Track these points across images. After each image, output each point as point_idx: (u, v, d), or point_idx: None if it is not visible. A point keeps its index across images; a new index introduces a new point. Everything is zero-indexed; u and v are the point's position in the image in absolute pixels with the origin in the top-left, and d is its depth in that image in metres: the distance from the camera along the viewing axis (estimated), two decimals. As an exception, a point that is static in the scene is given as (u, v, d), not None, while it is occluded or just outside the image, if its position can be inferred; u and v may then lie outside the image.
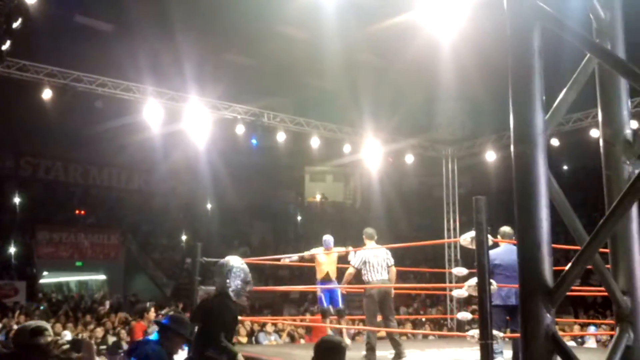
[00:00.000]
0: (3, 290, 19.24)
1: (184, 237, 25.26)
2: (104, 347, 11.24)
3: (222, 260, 5.08)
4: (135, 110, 12.50)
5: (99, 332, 11.92)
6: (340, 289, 8.64)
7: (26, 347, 3.39)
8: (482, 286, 4.77)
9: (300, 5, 13.22)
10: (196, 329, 5.09)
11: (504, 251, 6.41)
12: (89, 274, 25.50)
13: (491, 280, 4.97)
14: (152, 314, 10.95)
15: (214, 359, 4.76)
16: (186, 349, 5.64)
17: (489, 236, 5.06)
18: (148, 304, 12.92)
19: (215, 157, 21.50)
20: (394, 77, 19.37)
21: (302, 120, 14.05)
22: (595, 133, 12.30)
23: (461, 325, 10.60)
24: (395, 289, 8.27)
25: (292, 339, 12.78)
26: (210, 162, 22.14)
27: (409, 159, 15.75)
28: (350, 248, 8.97)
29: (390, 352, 7.13)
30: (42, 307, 16.68)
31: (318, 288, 8.80)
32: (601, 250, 1.84)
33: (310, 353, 3.50)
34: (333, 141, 14.91)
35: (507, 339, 6.23)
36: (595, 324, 12.44)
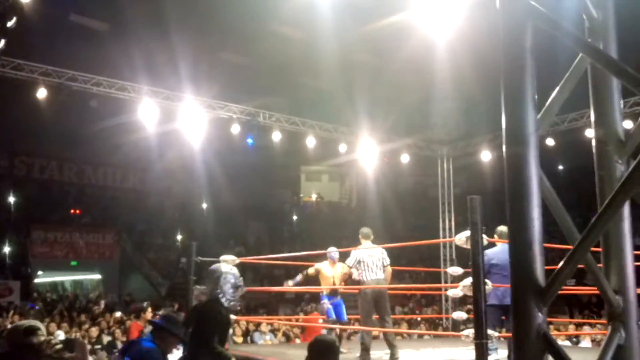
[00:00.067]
0: (-3, 290, 19.17)
1: (179, 237, 25.21)
2: (98, 346, 11.22)
3: (212, 267, 5.07)
4: (131, 109, 12.47)
5: (94, 331, 11.89)
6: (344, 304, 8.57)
7: (19, 347, 3.38)
8: (477, 286, 4.78)
9: (295, 4, 13.22)
10: (190, 330, 5.07)
11: (500, 251, 6.42)
12: (83, 273, 25.44)
13: (486, 280, 4.98)
14: (149, 314, 10.95)
15: None
16: (181, 348, 5.63)
17: (485, 236, 5.07)
18: (145, 304, 12.92)
19: (210, 157, 21.47)
20: (389, 77, 19.38)
21: (297, 120, 14.05)
22: (590, 133, 12.32)
23: (456, 325, 10.61)
24: (391, 288, 8.26)
25: (288, 338, 12.79)
26: (206, 162, 22.11)
27: (405, 158, 15.76)
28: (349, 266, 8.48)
29: (386, 352, 7.12)
30: (37, 307, 16.63)
31: (325, 301, 8.54)
32: (593, 249, 1.84)
33: (306, 353, 3.51)
34: (329, 141, 14.91)
35: (502, 339, 6.24)
36: (590, 324, 12.46)
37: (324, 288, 8.42)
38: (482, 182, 19.29)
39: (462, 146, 16.42)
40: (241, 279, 4.94)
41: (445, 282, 12.05)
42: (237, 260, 8.37)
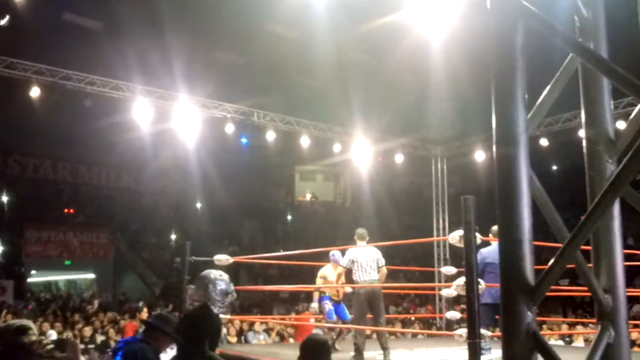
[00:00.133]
0: (-10, 290, 19.09)
1: (173, 236, 25.17)
2: (92, 346, 11.20)
3: (202, 273, 5.06)
4: (125, 108, 12.43)
5: (88, 331, 11.85)
6: (345, 304, 8.59)
7: (10, 346, 3.36)
8: (470, 285, 4.79)
9: (290, 4, 13.21)
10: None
11: (495, 250, 6.43)
12: (77, 272, 25.37)
13: (479, 280, 4.99)
14: (144, 314, 10.93)
15: None
16: (175, 347, 5.61)
17: (479, 235, 5.08)
18: (141, 304, 12.90)
19: (204, 156, 21.45)
20: (384, 77, 19.39)
21: (292, 120, 14.04)
22: (583, 133, 12.35)
23: (450, 324, 10.62)
24: (385, 288, 8.26)
25: (282, 338, 12.78)
26: (200, 161, 22.08)
27: (399, 158, 15.77)
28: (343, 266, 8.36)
29: (380, 353, 7.12)
30: (31, 306, 16.56)
31: (327, 302, 8.56)
32: (583, 248, 1.84)
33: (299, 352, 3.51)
34: (323, 140, 14.90)
35: (496, 338, 6.25)
36: (583, 323, 12.50)
37: (326, 287, 8.47)
38: (476, 182, 19.30)
39: (456, 146, 16.44)
40: (232, 285, 4.91)
41: (439, 281, 12.07)
42: (231, 260, 8.37)
